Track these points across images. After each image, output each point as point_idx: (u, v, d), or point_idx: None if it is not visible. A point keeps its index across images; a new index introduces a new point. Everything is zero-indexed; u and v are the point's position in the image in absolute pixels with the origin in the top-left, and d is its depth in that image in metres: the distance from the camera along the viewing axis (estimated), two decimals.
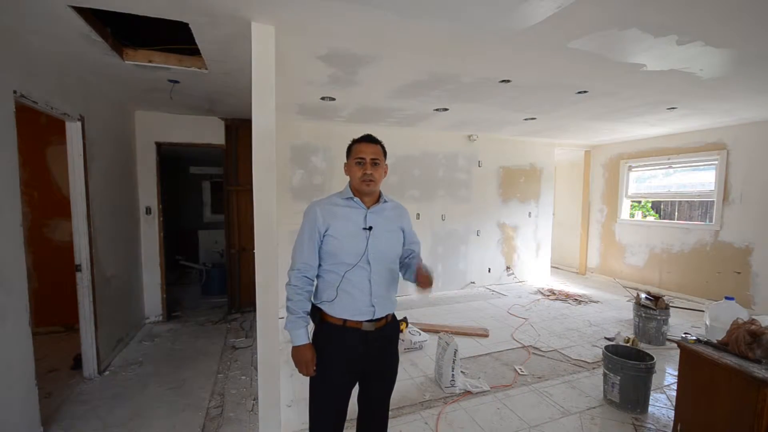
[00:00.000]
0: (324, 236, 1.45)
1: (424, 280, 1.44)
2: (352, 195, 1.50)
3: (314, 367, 1.44)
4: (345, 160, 1.57)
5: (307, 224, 1.47)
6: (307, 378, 1.49)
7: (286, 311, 1.45)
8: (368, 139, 1.52)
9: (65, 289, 3.33)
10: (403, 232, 1.59)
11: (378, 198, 1.55)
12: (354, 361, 1.46)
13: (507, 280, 6.00)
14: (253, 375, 2.96)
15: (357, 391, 1.57)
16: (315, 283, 1.52)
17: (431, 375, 2.94)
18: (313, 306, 1.50)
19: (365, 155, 1.47)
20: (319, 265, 1.49)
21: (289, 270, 1.47)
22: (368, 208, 1.51)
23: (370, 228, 1.47)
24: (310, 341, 1.45)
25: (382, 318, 1.48)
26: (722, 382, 1.87)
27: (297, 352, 1.43)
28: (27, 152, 3.38)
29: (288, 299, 1.45)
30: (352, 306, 1.43)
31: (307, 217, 1.49)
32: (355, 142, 1.53)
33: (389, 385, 1.60)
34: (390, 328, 1.54)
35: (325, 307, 1.46)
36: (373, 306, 1.45)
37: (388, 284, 1.51)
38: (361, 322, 1.44)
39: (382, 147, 1.53)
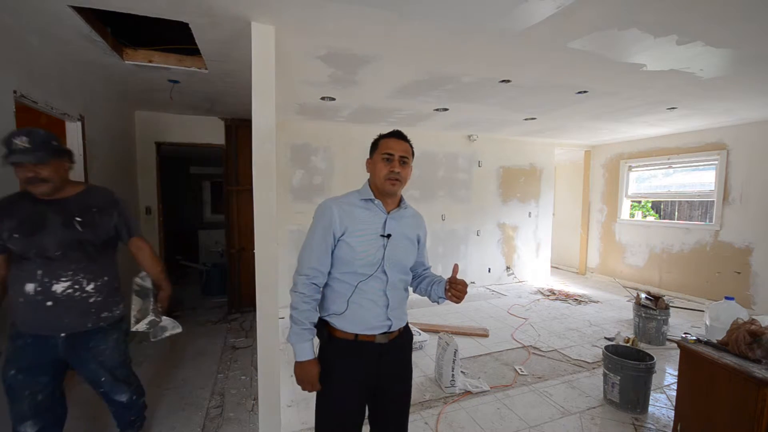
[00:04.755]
0: (339, 240, 1.28)
1: (463, 287, 1.31)
2: (373, 196, 1.34)
3: (320, 384, 1.28)
4: (369, 157, 1.39)
5: (321, 224, 1.29)
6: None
7: (291, 321, 1.26)
8: (398, 135, 1.35)
9: None
10: (419, 242, 1.46)
11: (399, 202, 1.40)
12: (368, 376, 1.31)
13: (507, 280, 6.00)
14: (253, 375, 2.96)
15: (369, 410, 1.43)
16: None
17: (431, 375, 2.93)
18: (320, 319, 1.34)
19: (394, 151, 1.30)
20: (328, 272, 1.32)
21: (296, 274, 1.29)
22: (388, 212, 1.35)
23: (389, 235, 1.32)
24: (316, 356, 1.29)
25: (395, 330, 1.36)
26: (722, 382, 1.87)
27: (302, 369, 1.26)
28: None
29: (293, 308, 1.26)
30: (364, 319, 1.29)
31: (321, 216, 1.30)
32: (382, 137, 1.37)
33: (404, 400, 1.43)
34: (404, 337, 1.42)
35: (333, 320, 1.30)
36: (390, 320, 1.32)
37: (402, 296, 1.39)
38: (375, 335, 1.30)
39: (411, 147, 1.38)
